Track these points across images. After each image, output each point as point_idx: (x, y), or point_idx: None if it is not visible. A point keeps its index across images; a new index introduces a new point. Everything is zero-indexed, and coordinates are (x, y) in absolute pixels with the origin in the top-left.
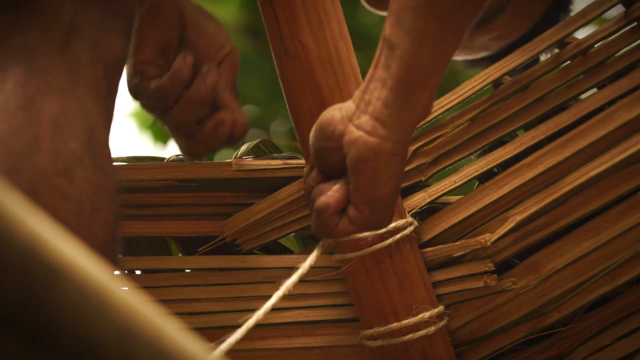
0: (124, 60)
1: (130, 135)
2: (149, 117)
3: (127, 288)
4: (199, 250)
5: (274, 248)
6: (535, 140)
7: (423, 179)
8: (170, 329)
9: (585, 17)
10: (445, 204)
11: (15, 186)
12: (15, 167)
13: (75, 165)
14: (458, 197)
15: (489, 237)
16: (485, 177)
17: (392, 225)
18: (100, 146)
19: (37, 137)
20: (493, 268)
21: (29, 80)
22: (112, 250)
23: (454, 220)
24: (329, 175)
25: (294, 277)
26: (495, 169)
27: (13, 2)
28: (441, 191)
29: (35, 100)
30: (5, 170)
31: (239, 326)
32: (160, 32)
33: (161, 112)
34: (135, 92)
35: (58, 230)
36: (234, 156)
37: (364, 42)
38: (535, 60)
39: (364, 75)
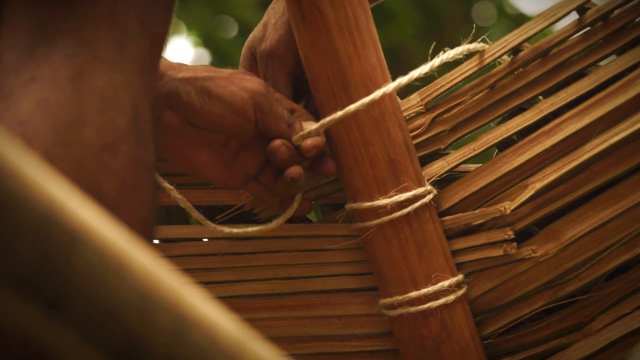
0: (166, 36)
1: None
2: None
3: (146, 253)
4: (217, 218)
5: (292, 216)
6: (555, 107)
7: (442, 147)
8: (189, 295)
9: None
10: (465, 172)
11: (60, 159)
12: (62, 139)
13: (120, 141)
14: (477, 165)
15: (508, 205)
16: (504, 145)
17: (412, 193)
18: (144, 121)
19: (85, 110)
20: (513, 236)
21: (78, 53)
22: (151, 226)
23: (473, 188)
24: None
25: None
26: (514, 137)
27: None
28: (460, 159)
29: (84, 72)
30: (51, 142)
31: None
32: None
33: None
34: None
35: (77, 194)
36: None
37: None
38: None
39: (382, 47)
